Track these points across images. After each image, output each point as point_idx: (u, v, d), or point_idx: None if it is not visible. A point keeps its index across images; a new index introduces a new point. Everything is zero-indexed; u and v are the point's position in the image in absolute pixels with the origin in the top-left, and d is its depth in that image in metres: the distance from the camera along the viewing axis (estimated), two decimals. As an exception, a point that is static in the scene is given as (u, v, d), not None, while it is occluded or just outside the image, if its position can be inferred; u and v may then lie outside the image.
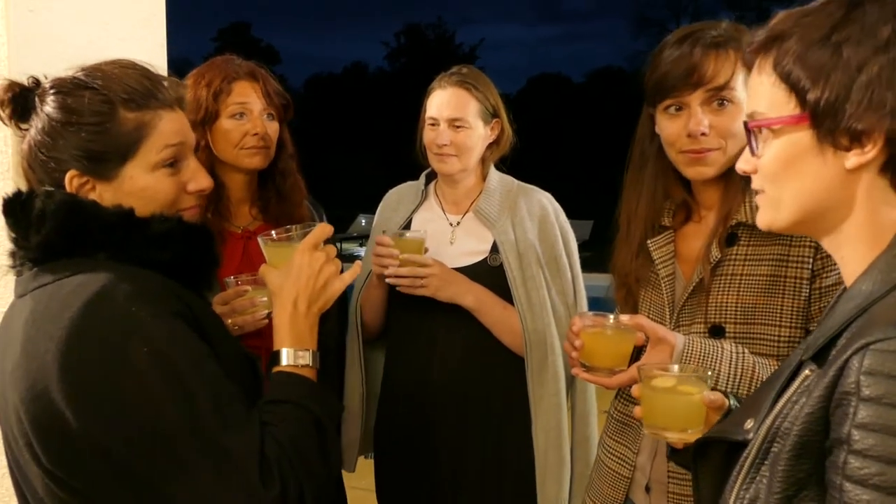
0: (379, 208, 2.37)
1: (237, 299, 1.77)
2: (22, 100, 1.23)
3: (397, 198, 2.34)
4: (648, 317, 1.55)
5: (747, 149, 1.01)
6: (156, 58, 1.77)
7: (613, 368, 1.44)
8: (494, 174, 2.25)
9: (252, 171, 2.03)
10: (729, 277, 1.50)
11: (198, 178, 1.27)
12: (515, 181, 2.27)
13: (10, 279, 1.29)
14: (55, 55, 1.50)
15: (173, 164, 1.23)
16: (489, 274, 2.11)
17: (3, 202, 1.23)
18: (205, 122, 1.95)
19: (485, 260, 2.14)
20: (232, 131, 1.96)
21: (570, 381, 2.15)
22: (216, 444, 1.09)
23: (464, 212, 2.22)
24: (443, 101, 2.14)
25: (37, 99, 1.22)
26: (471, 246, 2.17)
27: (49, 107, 1.20)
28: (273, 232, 1.38)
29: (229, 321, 1.72)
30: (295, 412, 1.20)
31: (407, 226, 2.25)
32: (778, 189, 0.97)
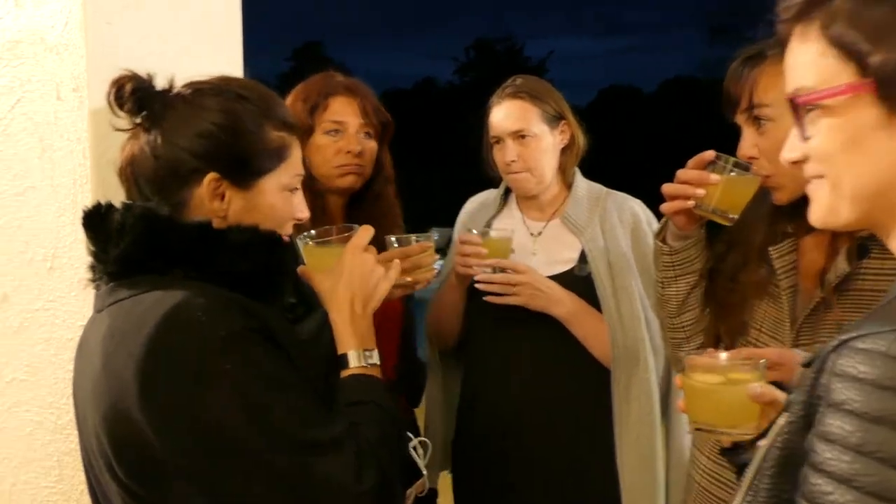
0: (459, 216, 2.32)
1: (423, 255, 1.71)
2: (147, 96, 1.22)
3: (477, 205, 2.28)
4: (760, 332, 1.43)
5: (792, 135, 0.88)
6: (234, 73, 1.74)
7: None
8: (581, 181, 2.17)
9: (344, 192, 1.96)
10: (857, 294, 1.36)
11: (303, 208, 1.31)
12: (604, 188, 2.18)
13: (90, 293, 1.27)
14: (132, 68, 1.48)
15: (293, 190, 1.28)
16: (576, 285, 2.03)
17: (84, 214, 1.23)
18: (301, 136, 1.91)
19: (571, 270, 2.06)
20: (326, 148, 1.91)
21: (665, 399, 2.03)
22: (305, 456, 1.08)
23: (548, 218, 2.14)
24: (501, 116, 2.08)
25: (175, 99, 1.22)
26: (556, 255, 2.09)
27: (200, 108, 1.20)
28: (313, 231, 1.36)
29: (409, 278, 1.67)
30: (377, 412, 1.21)
31: (487, 231, 2.17)
32: (836, 174, 0.83)
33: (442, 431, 2.15)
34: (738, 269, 1.50)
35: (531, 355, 2.05)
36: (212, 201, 1.21)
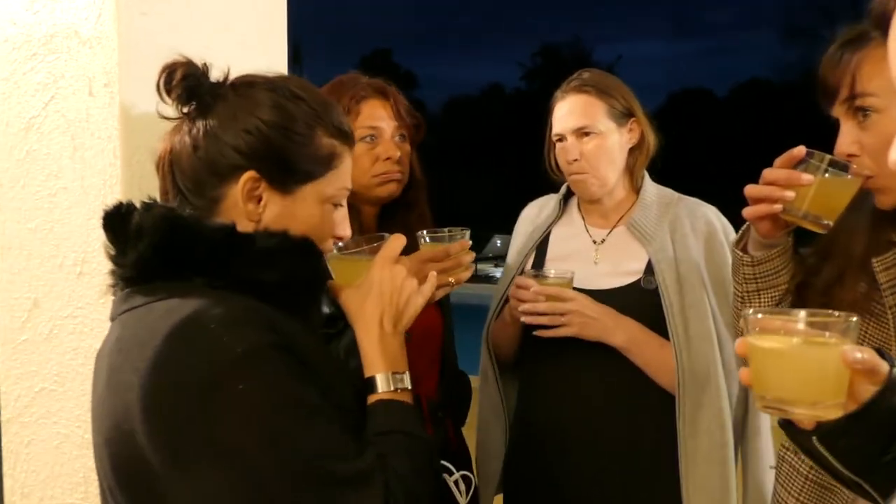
0: (517, 223, 2.15)
1: (464, 253, 1.59)
2: (198, 85, 1.13)
3: (536, 210, 2.11)
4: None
5: None
6: (277, 68, 1.65)
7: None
8: (650, 185, 1.98)
9: (381, 201, 1.84)
10: None
11: (344, 226, 1.21)
12: (675, 193, 1.99)
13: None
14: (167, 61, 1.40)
15: (336, 205, 1.18)
16: (642, 299, 1.83)
17: (104, 215, 1.13)
18: None
19: (637, 282, 1.86)
20: (362, 156, 1.76)
21: (741, 429, 1.84)
22: (329, 490, 0.96)
23: (612, 225, 1.96)
24: (564, 112, 1.90)
25: (227, 91, 1.13)
26: (620, 265, 1.90)
27: (252, 103, 1.12)
28: (341, 243, 1.26)
29: (451, 279, 1.57)
30: (408, 443, 1.10)
31: (545, 240, 2.02)
32: None
33: (496, 454, 1.99)
34: (833, 283, 1.30)
35: (589, 382, 1.86)
36: (246, 202, 1.11)
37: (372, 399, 1.13)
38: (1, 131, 1.54)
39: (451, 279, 1.57)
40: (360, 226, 1.79)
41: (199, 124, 1.12)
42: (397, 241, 1.22)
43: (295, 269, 1.10)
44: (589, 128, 1.87)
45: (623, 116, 1.90)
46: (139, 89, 1.37)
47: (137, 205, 1.11)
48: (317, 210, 1.15)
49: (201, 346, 0.97)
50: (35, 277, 1.53)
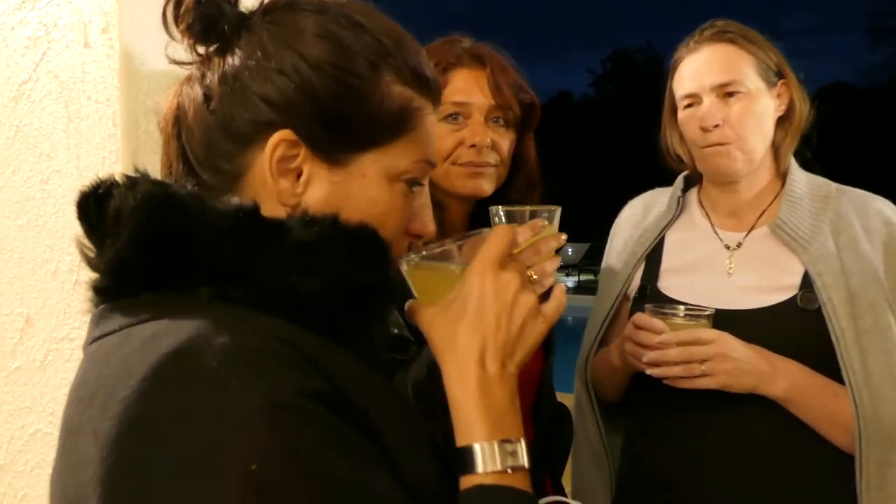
0: (615, 226, 1.70)
1: (547, 236, 1.13)
2: (217, 14, 0.77)
3: (640, 210, 1.65)
4: None
5: None
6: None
7: None
8: (798, 171, 1.52)
9: (469, 198, 1.41)
10: None
11: (423, 218, 0.83)
12: (832, 183, 1.53)
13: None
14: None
15: (413, 185, 0.80)
16: (800, 322, 1.37)
17: (78, 198, 0.76)
18: None
19: (793, 300, 1.39)
20: (443, 139, 1.34)
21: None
22: None
23: (749, 227, 1.51)
24: (701, 65, 1.45)
25: (259, 21, 0.77)
26: (764, 278, 1.44)
27: (291, 32, 0.76)
28: (422, 248, 0.83)
29: (532, 272, 1.09)
30: None
31: (657, 247, 1.59)
32: None
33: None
34: None
35: (733, 439, 1.39)
36: (279, 177, 0.74)
37: (467, 483, 0.72)
38: (-11, 103, 1.23)
39: (532, 273, 1.14)
40: (441, 226, 1.40)
41: (217, 67, 0.76)
42: (503, 236, 0.79)
43: (347, 273, 0.72)
44: (735, 84, 1.42)
45: (773, 75, 1.47)
46: (144, 34, 1.03)
47: (119, 181, 0.76)
48: (383, 191, 0.78)
49: (193, 399, 0.61)
50: (27, 288, 1.20)
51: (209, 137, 0.76)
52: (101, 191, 0.74)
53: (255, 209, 0.70)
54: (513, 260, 0.80)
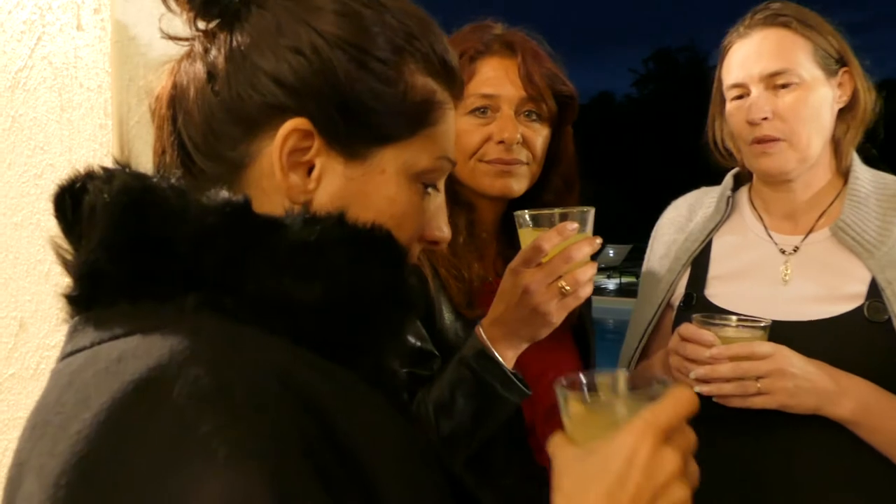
0: (656, 229, 1.57)
1: (579, 241, 1.05)
2: None
3: (684, 212, 1.52)
4: None
5: None
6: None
7: None
8: (862, 168, 1.38)
9: (499, 199, 1.29)
10: None
11: (439, 222, 0.77)
12: None
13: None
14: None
15: (429, 185, 0.74)
16: (867, 336, 1.24)
17: (55, 193, 0.68)
18: None
19: (859, 310, 1.26)
20: (468, 134, 1.25)
21: None
22: None
23: (807, 229, 1.38)
24: (750, 53, 1.32)
25: None
26: (825, 286, 1.31)
27: (306, 8, 0.69)
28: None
29: (564, 282, 1.04)
30: None
31: (704, 251, 1.46)
32: None
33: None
34: None
35: (790, 462, 1.26)
36: (288, 171, 0.67)
37: None
38: (-14, 93, 1.16)
39: (564, 283, 1.04)
40: (469, 229, 1.29)
41: (224, 43, 0.67)
42: (682, 402, 0.64)
43: (356, 279, 0.63)
44: (787, 74, 1.29)
45: (834, 63, 1.33)
46: (137, 13, 0.94)
47: (94, 173, 0.65)
48: (402, 190, 0.70)
49: (151, 444, 0.51)
50: (21, 290, 1.12)
51: (211, 121, 0.68)
52: (77, 185, 0.66)
53: (246, 204, 0.62)
54: (682, 433, 0.66)
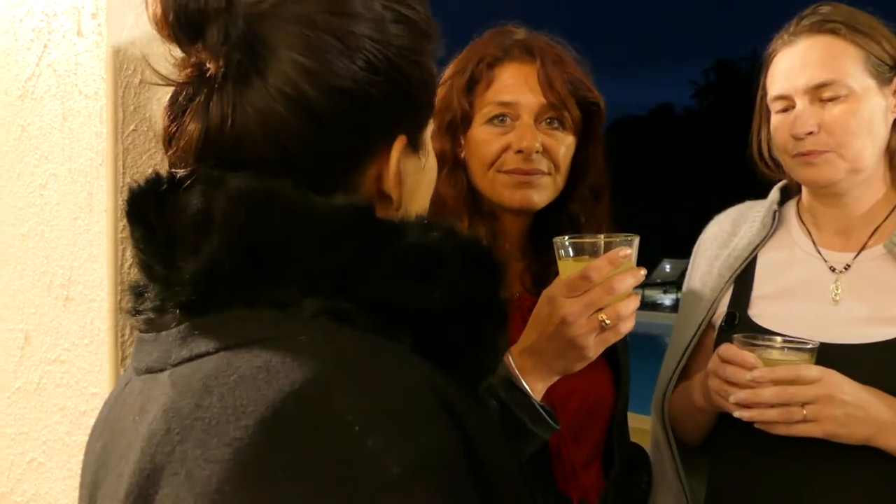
0: (698, 245, 1.48)
1: (623, 272, 0.99)
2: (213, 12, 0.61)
3: (728, 227, 1.44)
4: None
5: None
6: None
7: None
8: None
9: (522, 211, 1.23)
10: None
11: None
12: None
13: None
14: None
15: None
16: None
17: (128, 198, 0.64)
18: (454, 126, 1.21)
19: None
20: (487, 143, 1.19)
21: None
22: None
23: (860, 246, 1.28)
24: (795, 62, 1.24)
25: (270, 12, 0.62)
26: (878, 307, 1.23)
27: (343, 16, 0.63)
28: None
29: (604, 316, 0.98)
30: None
31: (748, 268, 1.37)
32: None
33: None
34: None
35: (838, 499, 1.18)
36: (395, 186, 0.68)
37: None
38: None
39: (605, 317, 0.97)
40: (495, 238, 1.23)
41: (260, 79, 0.61)
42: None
43: (467, 289, 0.63)
44: (835, 86, 1.20)
45: (888, 69, 1.24)
46: (135, 16, 0.91)
47: (196, 175, 0.62)
48: (434, 174, 0.75)
49: (323, 456, 0.51)
50: (27, 302, 1.10)
51: (313, 158, 0.63)
52: (162, 188, 0.62)
53: (370, 207, 0.62)
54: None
